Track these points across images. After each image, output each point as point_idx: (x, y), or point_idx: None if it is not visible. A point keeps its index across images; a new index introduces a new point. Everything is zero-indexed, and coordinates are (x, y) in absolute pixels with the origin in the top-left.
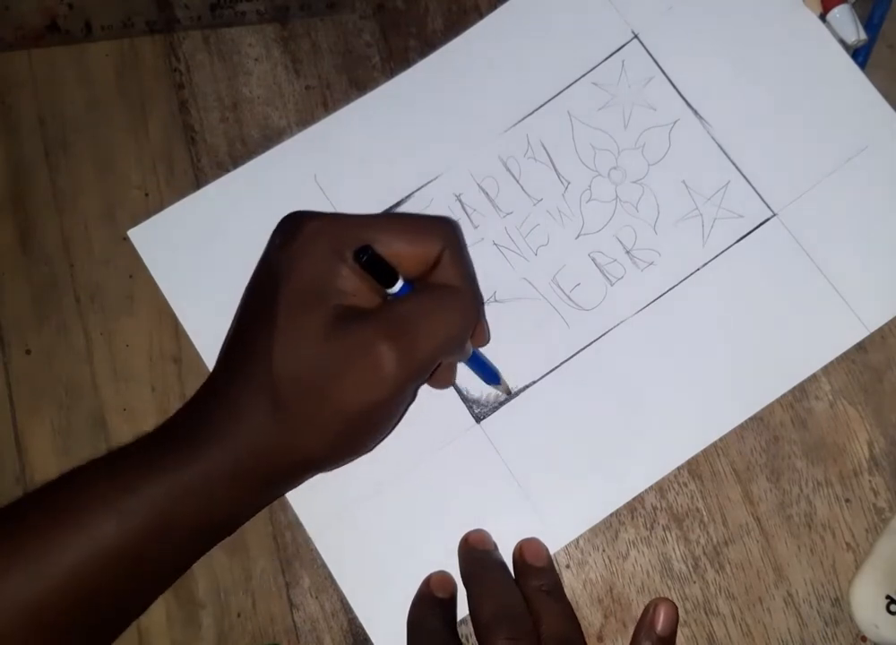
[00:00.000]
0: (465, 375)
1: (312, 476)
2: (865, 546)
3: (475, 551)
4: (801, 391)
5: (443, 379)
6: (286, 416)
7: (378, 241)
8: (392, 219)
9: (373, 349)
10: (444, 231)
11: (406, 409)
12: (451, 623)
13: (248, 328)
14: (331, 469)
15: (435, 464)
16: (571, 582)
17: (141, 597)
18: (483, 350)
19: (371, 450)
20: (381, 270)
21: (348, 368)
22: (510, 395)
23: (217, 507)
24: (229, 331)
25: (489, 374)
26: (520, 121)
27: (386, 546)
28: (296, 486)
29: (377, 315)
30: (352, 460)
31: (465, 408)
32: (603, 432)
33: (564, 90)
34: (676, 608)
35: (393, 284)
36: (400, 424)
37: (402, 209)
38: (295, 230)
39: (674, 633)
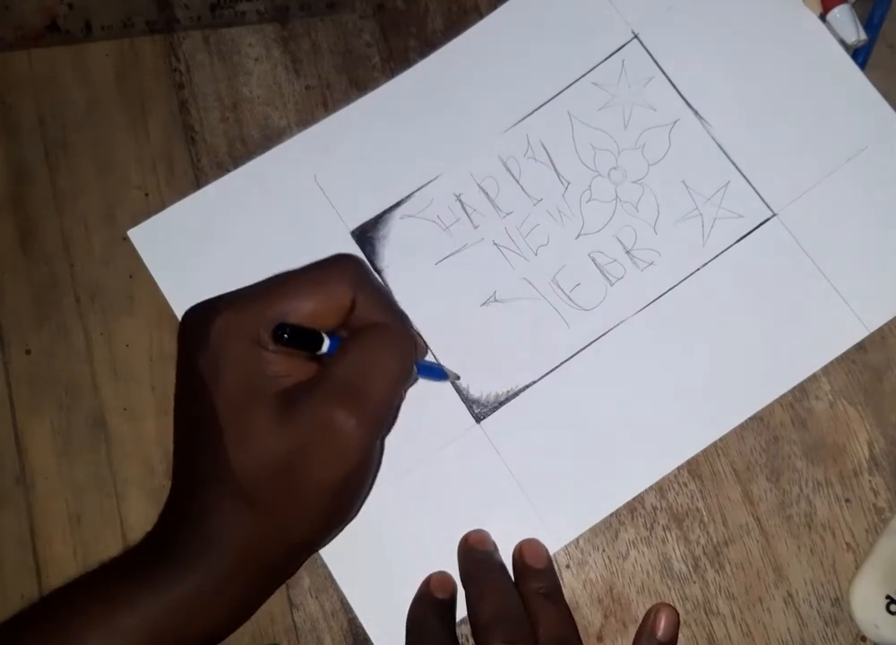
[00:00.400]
0: (466, 375)
1: (308, 556)
2: (865, 546)
3: (475, 551)
4: (801, 391)
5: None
6: (264, 511)
7: (288, 312)
8: (291, 282)
9: (329, 423)
10: (347, 274)
11: (380, 460)
12: (450, 623)
13: (195, 443)
14: (326, 544)
15: (435, 464)
16: (571, 582)
17: None
18: (483, 349)
19: (359, 511)
20: (304, 339)
21: (312, 448)
22: (459, 379)
23: (216, 612)
24: (175, 446)
25: (437, 374)
26: (520, 121)
27: (386, 546)
28: (295, 571)
29: (320, 387)
30: (343, 528)
31: (465, 408)
32: (603, 432)
33: (564, 90)
34: (678, 614)
35: (321, 346)
36: (399, 424)
37: (402, 208)
38: (203, 333)
39: (675, 638)
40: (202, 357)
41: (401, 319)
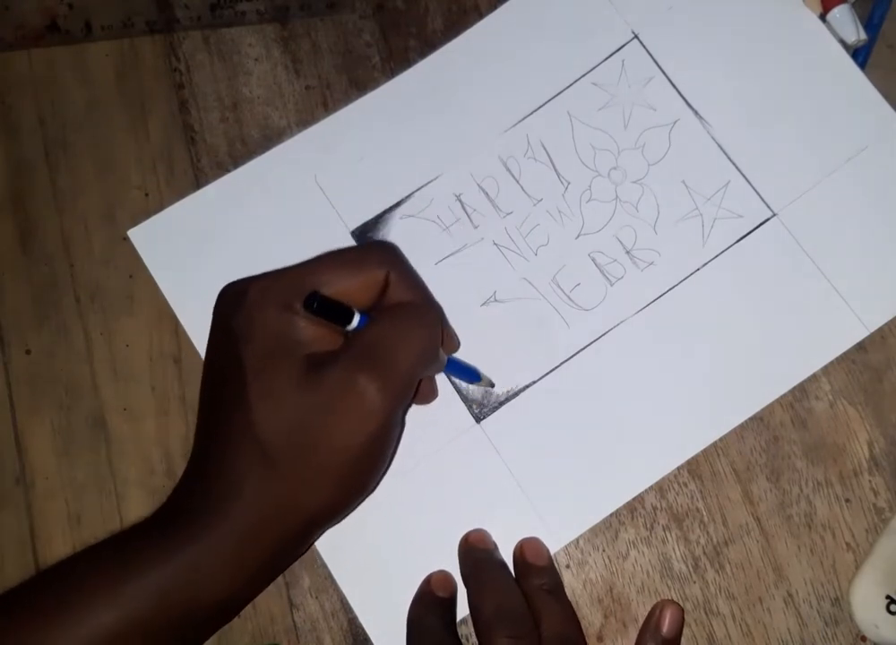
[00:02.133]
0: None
1: (323, 531)
2: (865, 546)
3: (475, 550)
4: (801, 391)
5: (427, 393)
6: (282, 474)
7: (322, 284)
8: (329, 259)
9: (352, 386)
10: (383, 254)
11: (399, 437)
12: (450, 622)
13: (220, 398)
14: (342, 519)
15: (435, 464)
16: (571, 582)
17: None
18: (483, 349)
19: (375, 488)
20: (335, 311)
21: (333, 411)
22: (493, 387)
23: (228, 579)
24: (200, 405)
25: (470, 374)
26: (520, 121)
27: (386, 546)
28: (308, 547)
29: (346, 352)
30: (359, 503)
31: (465, 408)
32: (603, 432)
33: (564, 90)
34: (683, 611)
35: (350, 320)
36: None
37: (402, 208)
38: (240, 298)
39: (679, 635)
40: (237, 318)
41: (432, 301)
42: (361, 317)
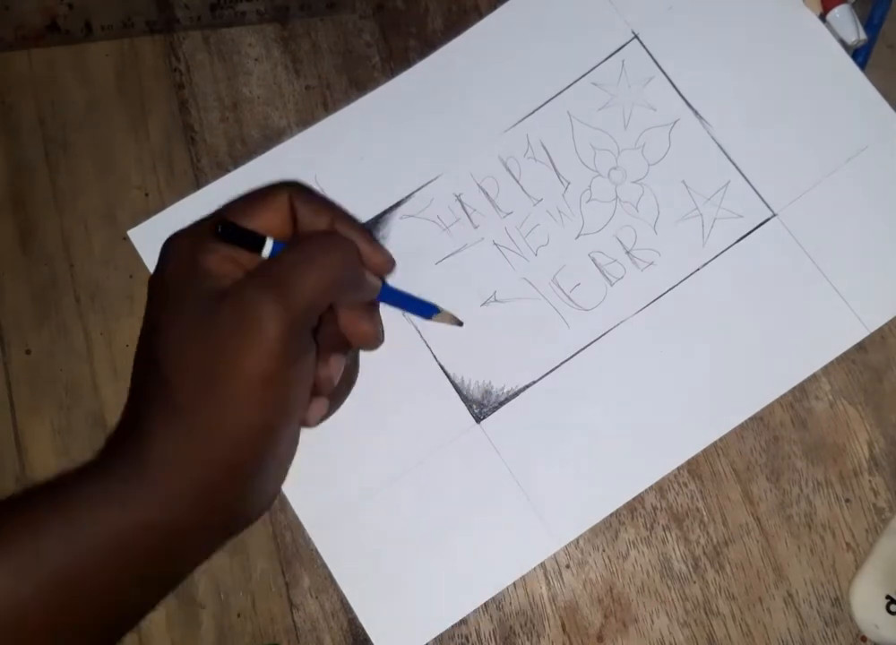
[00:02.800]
0: (466, 375)
1: (248, 487)
2: (865, 546)
3: None
4: (801, 391)
5: (362, 333)
6: (190, 410)
7: (232, 216)
8: (235, 201)
9: (249, 306)
10: (284, 184)
11: (309, 376)
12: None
13: (139, 351)
14: (267, 480)
15: (435, 464)
16: (571, 582)
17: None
18: (483, 349)
19: (287, 440)
20: (245, 238)
21: (232, 335)
22: (461, 325)
23: (160, 543)
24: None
25: (423, 307)
26: (520, 121)
27: (386, 545)
28: (246, 514)
29: (248, 279)
30: (266, 449)
31: (465, 408)
32: (603, 432)
33: (564, 90)
34: None
35: (262, 244)
36: (400, 424)
37: (402, 208)
38: (161, 251)
39: None
40: (155, 271)
41: (348, 222)
42: (275, 244)
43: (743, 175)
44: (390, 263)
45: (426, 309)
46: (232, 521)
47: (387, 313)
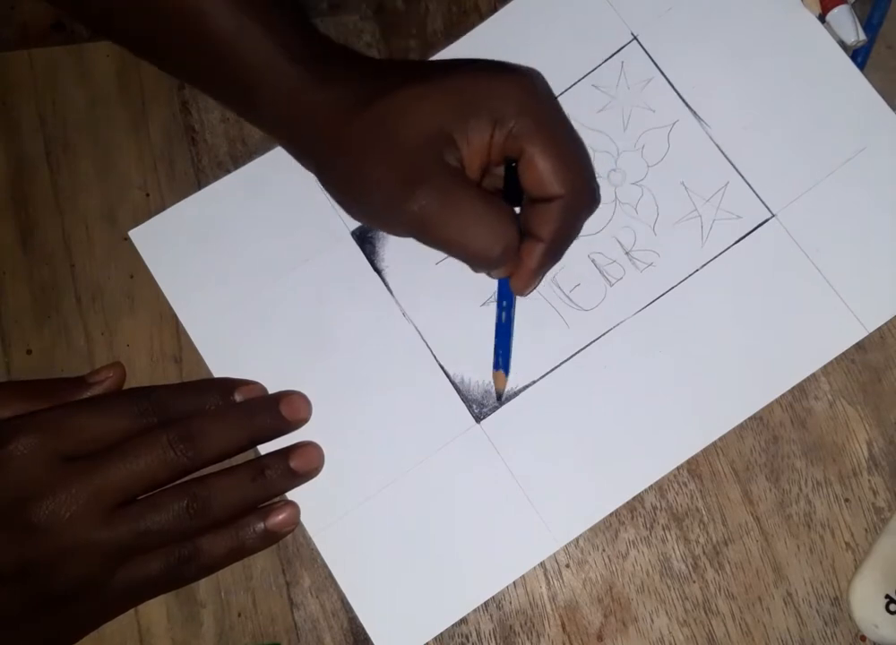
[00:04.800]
0: (466, 375)
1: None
2: (864, 545)
3: None
4: (800, 391)
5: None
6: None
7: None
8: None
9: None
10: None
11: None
12: None
13: None
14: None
15: (435, 464)
16: (571, 582)
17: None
18: (483, 349)
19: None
20: (513, 186)
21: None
22: (498, 400)
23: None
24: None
25: (504, 356)
26: None
27: (386, 545)
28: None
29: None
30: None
31: (465, 408)
32: (603, 431)
33: (563, 91)
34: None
35: (517, 202)
36: (400, 424)
37: None
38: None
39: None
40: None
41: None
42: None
43: (742, 176)
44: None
45: (501, 360)
46: (315, 164)
47: (387, 313)
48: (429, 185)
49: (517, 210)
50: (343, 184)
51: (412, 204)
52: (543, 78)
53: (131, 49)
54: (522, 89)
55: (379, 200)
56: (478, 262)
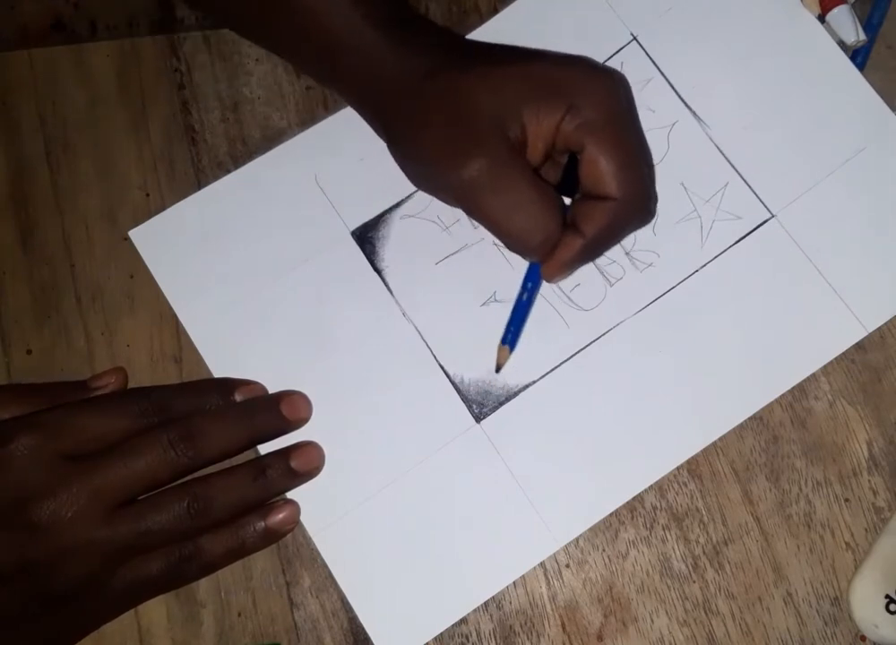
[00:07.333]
0: (466, 375)
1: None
2: (864, 545)
3: None
4: (800, 391)
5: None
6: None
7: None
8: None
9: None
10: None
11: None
12: None
13: None
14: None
15: (435, 464)
16: (571, 582)
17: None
18: (483, 349)
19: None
20: (570, 178)
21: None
22: (497, 371)
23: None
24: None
25: (514, 333)
26: None
27: (386, 545)
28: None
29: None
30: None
31: (465, 408)
32: (603, 431)
33: None
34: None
35: (572, 194)
36: (400, 424)
37: (402, 209)
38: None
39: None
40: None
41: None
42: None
43: (741, 176)
44: (559, 274)
45: (510, 336)
46: (382, 127)
47: (387, 313)
48: (485, 157)
49: (568, 201)
50: (406, 147)
51: (465, 172)
52: (627, 84)
53: (215, 16)
54: (605, 86)
55: (436, 165)
56: (515, 246)
